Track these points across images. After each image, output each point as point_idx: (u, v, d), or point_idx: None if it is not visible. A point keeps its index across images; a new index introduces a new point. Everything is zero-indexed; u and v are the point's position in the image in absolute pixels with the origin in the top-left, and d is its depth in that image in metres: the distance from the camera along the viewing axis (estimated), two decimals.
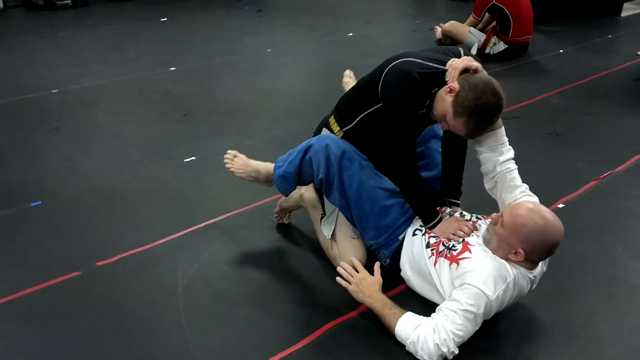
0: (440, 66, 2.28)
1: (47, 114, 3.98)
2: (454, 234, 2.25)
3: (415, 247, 2.31)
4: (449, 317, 2.00)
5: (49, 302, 2.31)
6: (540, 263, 2.17)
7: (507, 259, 2.09)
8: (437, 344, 1.97)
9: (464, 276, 2.06)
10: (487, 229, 2.18)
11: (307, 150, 2.39)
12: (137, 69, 4.83)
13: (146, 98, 4.32)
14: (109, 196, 3.04)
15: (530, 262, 2.10)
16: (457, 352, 2.00)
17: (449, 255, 2.18)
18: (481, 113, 2.18)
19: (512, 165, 2.36)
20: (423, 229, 2.34)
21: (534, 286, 2.20)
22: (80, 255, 2.57)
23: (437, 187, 2.60)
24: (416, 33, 6.12)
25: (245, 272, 2.53)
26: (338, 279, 2.27)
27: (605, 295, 2.41)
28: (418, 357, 2.02)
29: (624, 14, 6.94)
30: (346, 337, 2.17)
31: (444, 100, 2.23)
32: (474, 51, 5.24)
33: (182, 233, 2.74)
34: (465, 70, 2.23)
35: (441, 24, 5.64)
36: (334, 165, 2.32)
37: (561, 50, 5.63)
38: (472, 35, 5.38)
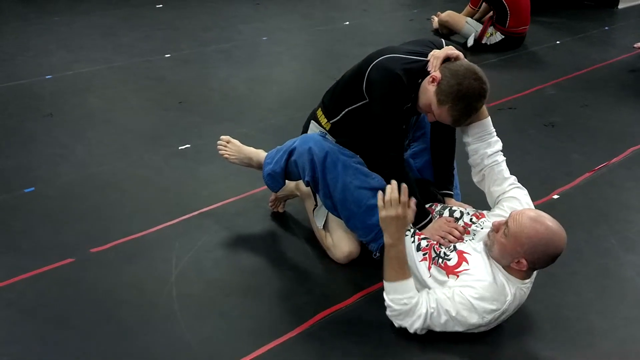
0: (422, 58, 2.28)
1: (41, 100, 3.95)
2: (443, 238, 2.20)
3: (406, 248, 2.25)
4: (436, 312, 2.01)
5: (42, 289, 2.30)
6: None
7: (508, 268, 2.04)
8: (416, 329, 2.03)
9: (464, 288, 2.02)
10: (489, 235, 2.10)
11: (291, 152, 2.40)
12: (131, 56, 4.80)
13: (140, 85, 4.30)
14: (103, 183, 3.02)
15: (531, 270, 2.07)
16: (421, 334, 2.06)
17: (442, 265, 2.11)
18: (464, 98, 2.17)
19: (500, 158, 2.34)
20: (412, 229, 2.26)
21: None
22: (74, 241, 2.56)
23: (429, 178, 2.59)
24: (413, 22, 6.09)
25: (239, 261, 2.52)
26: (380, 195, 2.11)
27: (599, 287, 2.42)
28: (388, 315, 2.09)
29: (621, 5, 6.92)
30: (339, 326, 2.17)
31: (428, 91, 2.23)
32: (470, 41, 5.23)
33: (176, 221, 2.73)
34: (447, 59, 2.23)
35: (438, 14, 5.62)
36: (317, 167, 2.31)
37: (558, 42, 5.61)
38: (469, 25, 5.36)
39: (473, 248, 2.13)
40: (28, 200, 2.87)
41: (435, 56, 2.24)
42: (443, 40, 2.40)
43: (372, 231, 2.32)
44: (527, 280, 2.07)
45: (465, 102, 2.17)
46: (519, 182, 2.34)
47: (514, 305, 2.05)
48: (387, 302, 2.07)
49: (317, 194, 2.46)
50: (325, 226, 2.52)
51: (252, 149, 2.66)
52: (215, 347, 2.06)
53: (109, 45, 5.05)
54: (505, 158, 2.36)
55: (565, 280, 2.44)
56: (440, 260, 2.12)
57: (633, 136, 3.70)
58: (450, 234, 2.21)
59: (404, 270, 2.07)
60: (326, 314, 2.21)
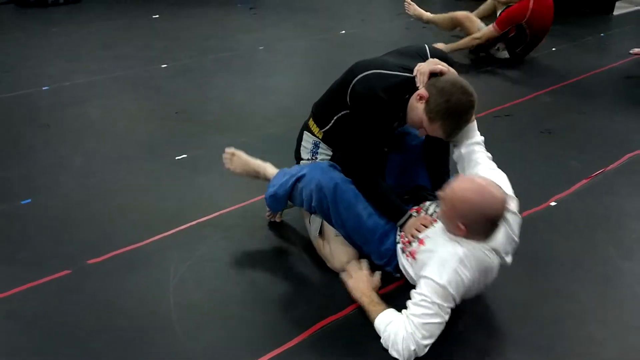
0: (408, 74, 2.30)
1: (38, 111, 3.96)
2: (417, 230, 2.23)
3: (399, 257, 2.34)
4: (414, 310, 1.98)
5: (39, 301, 2.29)
6: (502, 233, 2.07)
7: (455, 235, 2.04)
8: (404, 337, 1.97)
9: (423, 269, 2.05)
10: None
11: (299, 178, 2.42)
12: (129, 66, 4.81)
13: (138, 95, 4.30)
14: (100, 194, 3.02)
15: (476, 235, 2.02)
16: (425, 349, 1.98)
17: (407, 253, 2.23)
18: (454, 114, 2.21)
19: (478, 147, 2.33)
20: (398, 237, 2.34)
21: (508, 260, 2.14)
22: (71, 253, 2.56)
23: (424, 184, 2.60)
24: (409, 31, 6.12)
25: (237, 270, 2.52)
26: (342, 275, 2.36)
27: (598, 295, 2.42)
28: (390, 354, 2.01)
29: (616, 12, 6.96)
30: (337, 335, 2.16)
31: (417, 108, 2.25)
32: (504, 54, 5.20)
33: (173, 231, 2.72)
34: (434, 74, 2.25)
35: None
36: (327, 198, 2.34)
37: (554, 49, 5.63)
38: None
39: (432, 231, 2.17)
40: (26, 210, 2.86)
41: (421, 72, 2.26)
42: (427, 48, 2.44)
43: (386, 256, 2.36)
44: (487, 243, 2.04)
45: (456, 117, 2.22)
46: (515, 189, 2.30)
47: (476, 271, 2.00)
48: (383, 339, 2.05)
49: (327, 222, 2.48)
50: (322, 235, 2.51)
51: (258, 162, 2.68)
52: (213, 357, 2.06)
53: (106, 55, 5.06)
54: (488, 154, 2.34)
55: (564, 288, 2.43)
56: (408, 250, 2.22)
57: (630, 142, 3.70)
58: (418, 227, 2.24)
59: (383, 305, 2.16)
60: (325, 324, 2.21)
